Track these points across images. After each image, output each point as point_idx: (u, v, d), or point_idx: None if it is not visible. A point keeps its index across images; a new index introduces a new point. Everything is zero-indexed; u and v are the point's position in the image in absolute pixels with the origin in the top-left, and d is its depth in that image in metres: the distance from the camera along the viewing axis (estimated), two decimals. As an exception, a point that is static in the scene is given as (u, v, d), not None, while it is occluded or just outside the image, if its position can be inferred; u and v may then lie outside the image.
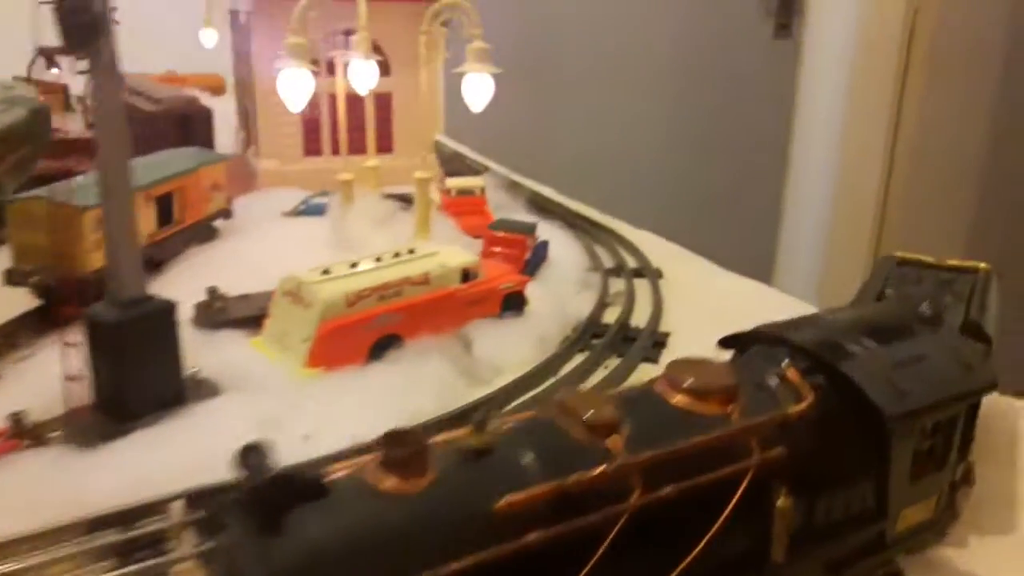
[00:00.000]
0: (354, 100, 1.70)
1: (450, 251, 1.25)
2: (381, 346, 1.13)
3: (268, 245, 1.56)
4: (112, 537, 0.81)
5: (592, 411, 0.55)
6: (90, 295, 1.04)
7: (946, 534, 0.75)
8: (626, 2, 3.57)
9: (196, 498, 0.84)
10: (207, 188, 1.59)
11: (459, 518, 0.49)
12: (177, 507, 0.84)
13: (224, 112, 2.58)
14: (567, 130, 3.64)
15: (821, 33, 3.31)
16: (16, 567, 0.74)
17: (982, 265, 0.99)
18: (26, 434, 0.96)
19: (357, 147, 1.82)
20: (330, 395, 1.05)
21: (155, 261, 1.44)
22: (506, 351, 1.18)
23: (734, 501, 0.56)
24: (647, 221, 1.88)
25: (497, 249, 1.42)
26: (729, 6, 3.65)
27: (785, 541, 0.59)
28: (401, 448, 0.49)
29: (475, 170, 2.33)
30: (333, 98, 1.80)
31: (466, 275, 1.22)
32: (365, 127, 1.71)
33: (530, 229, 1.48)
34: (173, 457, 0.94)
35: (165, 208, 1.46)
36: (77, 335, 1.00)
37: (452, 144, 2.79)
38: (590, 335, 1.28)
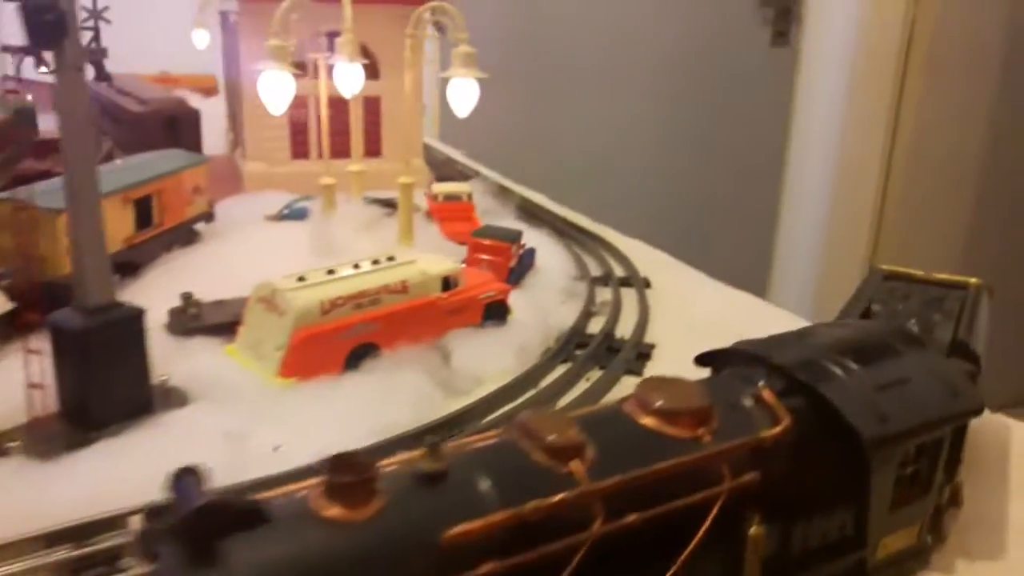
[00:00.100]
0: (342, 103, 1.67)
1: (430, 259, 1.22)
2: (357, 355, 1.11)
3: (249, 250, 1.53)
4: (67, 553, 0.79)
5: (555, 434, 0.52)
6: (62, 300, 1.01)
7: (930, 562, 0.72)
8: (622, 9, 3.55)
9: (156, 513, 0.81)
10: (188, 191, 1.57)
11: (407, 548, 0.46)
12: (136, 522, 0.81)
13: (216, 113, 2.56)
14: (561, 137, 3.62)
15: (819, 41, 3.29)
16: (-35, 584, 0.72)
17: (972, 280, 0.96)
18: (-14, 443, 0.93)
19: (345, 151, 1.79)
20: (303, 406, 1.02)
21: (133, 265, 1.42)
22: (486, 362, 1.15)
23: (703, 529, 0.53)
24: (638, 230, 1.85)
25: (481, 256, 1.40)
26: (725, 13, 3.63)
27: (758, 570, 0.56)
28: (346, 474, 0.46)
29: (466, 175, 2.31)
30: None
31: (446, 283, 1.20)
32: (350, 130, 1.68)
33: (515, 236, 1.45)
34: (137, 468, 0.91)
35: (144, 211, 1.44)
36: (41, 342, 0.97)
37: (444, 149, 2.77)
38: (573, 346, 1.25)
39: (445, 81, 1.39)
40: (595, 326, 1.32)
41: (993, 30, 3.07)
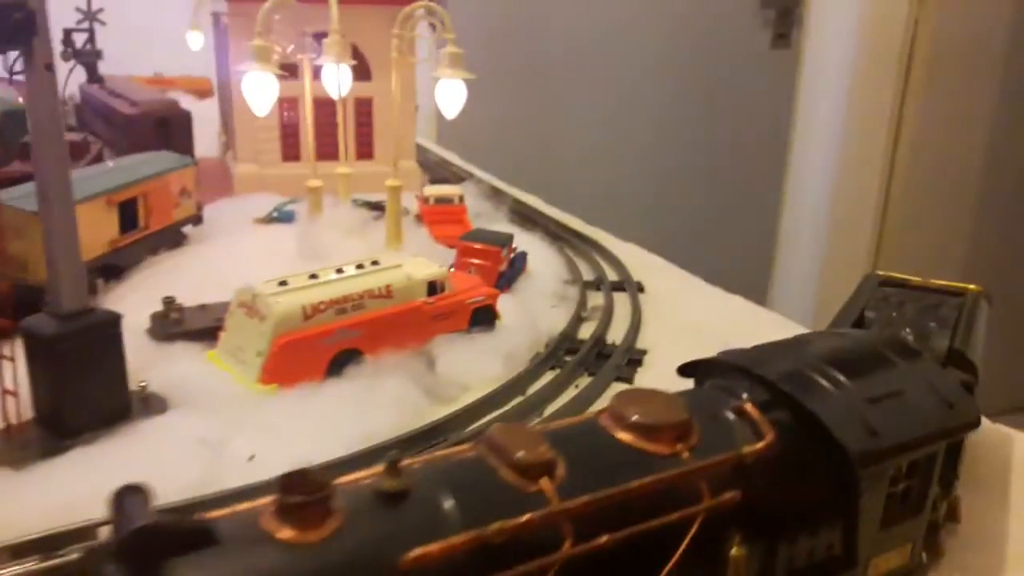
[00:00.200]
0: (334, 105, 1.65)
1: (416, 262, 1.20)
2: (340, 362, 1.08)
3: (236, 253, 1.51)
4: (35, 565, 0.76)
5: (523, 450, 0.50)
6: (39, 305, 0.99)
7: (924, 581, 0.70)
8: (619, 10, 3.53)
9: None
10: (175, 193, 1.54)
11: (363, 572, 0.44)
12: (106, 533, 0.79)
13: (210, 116, 2.54)
14: (558, 139, 3.60)
15: (820, 43, 3.26)
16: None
17: (971, 287, 0.93)
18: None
19: (336, 153, 1.77)
20: (282, 413, 0.99)
21: (117, 268, 1.39)
22: (472, 368, 1.13)
23: (680, 551, 0.50)
24: (634, 233, 1.83)
25: (470, 261, 1.37)
26: (725, 15, 3.60)
27: (740, 593, 0.53)
28: (299, 493, 0.44)
29: (461, 177, 2.28)
30: (313, 102, 1.75)
31: (432, 288, 1.17)
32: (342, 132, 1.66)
33: (506, 240, 1.42)
34: (111, 477, 0.88)
35: (129, 213, 1.41)
36: (15, 347, 0.95)
37: (438, 151, 2.75)
38: (563, 351, 1.22)
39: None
40: (586, 331, 1.30)
41: (995, 31, 3.04)
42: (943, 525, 0.76)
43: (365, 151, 2.01)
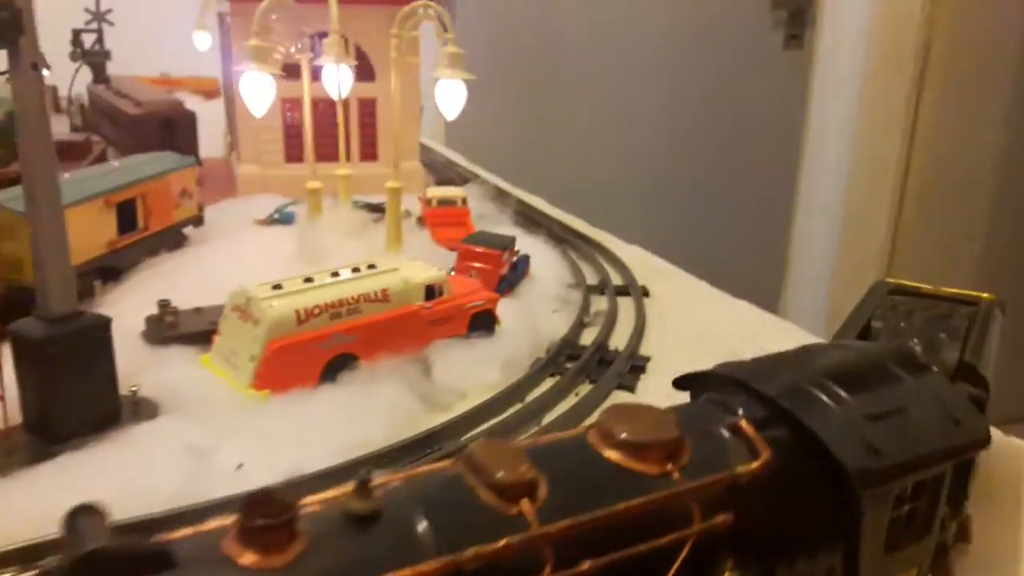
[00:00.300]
0: (335, 105, 1.63)
1: (414, 266, 1.18)
2: (335, 367, 1.06)
3: (236, 255, 1.49)
4: (14, 575, 0.75)
5: (503, 469, 0.47)
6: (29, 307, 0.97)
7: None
8: (629, 10, 3.50)
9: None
10: (176, 194, 1.53)
11: (329, 599, 0.41)
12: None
13: (216, 116, 2.53)
14: (565, 139, 3.57)
15: (834, 44, 3.22)
16: None
17: (984, 295, 0.90)
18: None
19: (337, 154, 1.75)
20: (273, 420, 0.98)
21: (114, 270, 1.38)
22: (470, 374, 1.11)
23: (669, 577, 0.48)
24: (639, 236, 1.80)
25: (471, 264, 1.35)
26: (736, 15, 3.56)
27: (733, 621, 0.51)
28: (261, 516, 0.42)
29: (466, 178, 2.26)
30: (316, 103, 1.73)
31: (430, 292, 1.15)
32: (344, 134, 1.64)
33: (507, 243, 1.40)
34: (97, 484, 0.88)
35: (127, 215, 1.40)
36: (2, 351, 0.93)
37: (444, 151, 2.73)
38: (564, 358, 1.20)
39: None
40: (588, 337, 1.27)
41: (1011, 32, 2.99)
42: (953, 546, 0.73)
43: (369, 152, 2.00)
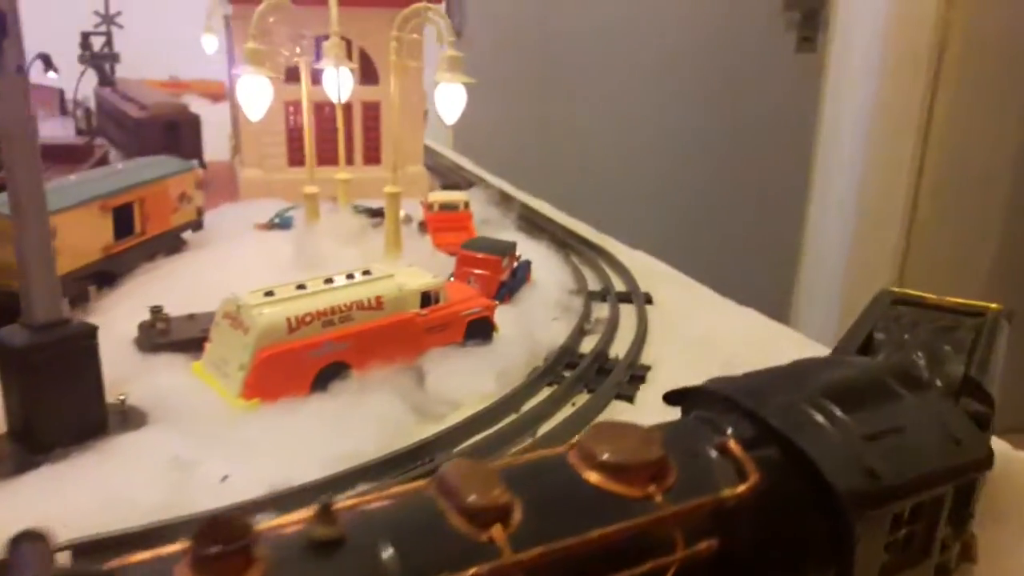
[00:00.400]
0: (342, 109, 1.61)
1: (410, 272, 1.16)
2: (326, 376, 1.04)
3: (234, 260, 1.48)
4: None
5: (475, 493, 0.45)
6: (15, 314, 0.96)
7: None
8: (637, 12, 3.47)
9: (85, 549, 0.75)
10: (174, 198, 1.52)
11: (286, 631, 0.39)
12: (64, 559, 0.75)
13: (222, 120, 2.52)
14: (572, 144, 3.54)
15: (847, 47, 3.18)
16: None
17: (992, 305, 0.86)
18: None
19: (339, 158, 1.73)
20: (262, 430, 0.96)
21: (110, 275, 1.37)
22: (465, 384, 1.08)
23: (650, 607, 0.45)
24: (646, 241, 1.77)
25: (471, 270, 1.33)
26: (747, 17, 3.52)
27: (719, 652, 0.48)
28: (217, 542, 0.40)
29: (470, 182, 2.24)
30: (320, 106, 1.72)
31: (426, 299, 1.13)
32: (347, 137, 1.63)
33: (507, 249, 1.38)
34: (79, 496, 0.86)
35: (124, 219, 1.39)
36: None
37: (450, 155, 2.71)
38: (562, 366, 1.17)
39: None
40: (588, 345, 1.24)
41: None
42: (956, 567, 0.70)
43: (373, 156, 1.98)
